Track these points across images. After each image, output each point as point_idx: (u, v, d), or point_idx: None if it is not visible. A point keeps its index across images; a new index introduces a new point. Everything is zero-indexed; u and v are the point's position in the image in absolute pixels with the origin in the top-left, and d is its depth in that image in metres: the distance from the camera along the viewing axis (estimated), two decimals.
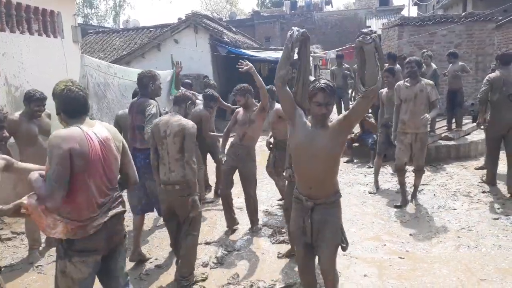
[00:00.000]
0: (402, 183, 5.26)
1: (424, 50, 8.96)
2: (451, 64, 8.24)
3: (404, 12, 26.21)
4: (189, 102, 3.65)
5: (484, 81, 5.47)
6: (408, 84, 5.03)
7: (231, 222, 4.77)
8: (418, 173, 5.23)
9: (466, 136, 7.95)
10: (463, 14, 11.90)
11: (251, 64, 4.34)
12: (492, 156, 5.68)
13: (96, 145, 2.24)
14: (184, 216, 3.51)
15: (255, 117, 4.51)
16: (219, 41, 12.33)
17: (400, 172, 5.23)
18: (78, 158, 2.16)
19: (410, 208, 5.14)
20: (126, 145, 2.51)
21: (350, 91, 10.79)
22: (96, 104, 6.46)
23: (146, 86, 4.08)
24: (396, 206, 5.14)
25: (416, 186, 5.37)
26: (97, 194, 2.27)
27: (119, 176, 2.48)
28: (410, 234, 4.35)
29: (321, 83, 2.53)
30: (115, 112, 6.77)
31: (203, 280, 3.64)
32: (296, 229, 2.76)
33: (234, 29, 16.64)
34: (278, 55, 13.49)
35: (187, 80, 7.26)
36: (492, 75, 5.45)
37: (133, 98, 4.65)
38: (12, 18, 6.62)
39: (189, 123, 3.47)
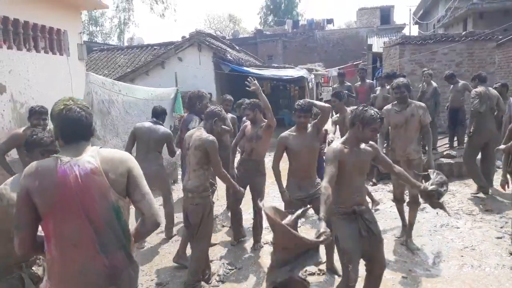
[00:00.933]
0: (400, 211, 4.78)
1: (425, 69, 9.04)
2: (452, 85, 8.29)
3: (405, 31, 26.58)
4: (216, 118, 3.82)
5: (473, 95, 5.98)
6: (397, 109, 4.54)
7: (238, 235, 4.86)
8: (413, 205, 4.51)
9: None
10: (463, 33, 12.05)
11: (258, 85, 4.39)
12: (472, 160, 6.24)
13: (71, 181, 1.77)
14: (194, 223, 3.66)
15: (262, 133, 4.57)
16: (222, 59, 12.48)
17: (398, 202, 4.78)
18: (37, 197, 1.76)
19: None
20: (138, 176, 1.92)
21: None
22: (100, 121, 6.51)
23: (194, 104, 4.72)
24: (397, 238, 4.77)
25: (411, 223, 4.54)
26: (75, 244, 1.78)
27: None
28: (413, 253, 4.33)
29: (376, 113, 2.90)
30: (119, 129, 6.84)
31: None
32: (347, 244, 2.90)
33: (237, 47, 16.85)
34: (280, 73, 13.64)
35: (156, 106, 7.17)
36: (478, 89, 5.99)
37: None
38: (19, 36, 6.75)
39: (209, 137, 3.64)
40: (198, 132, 3.76)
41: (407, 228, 4.60)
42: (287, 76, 13.58)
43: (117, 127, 6.84)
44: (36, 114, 4.32)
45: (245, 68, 12.64)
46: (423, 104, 4.63)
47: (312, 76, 16.94)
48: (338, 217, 2.94)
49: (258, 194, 4.55)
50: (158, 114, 5.17)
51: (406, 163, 4.43)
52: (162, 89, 8.25)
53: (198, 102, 4.69)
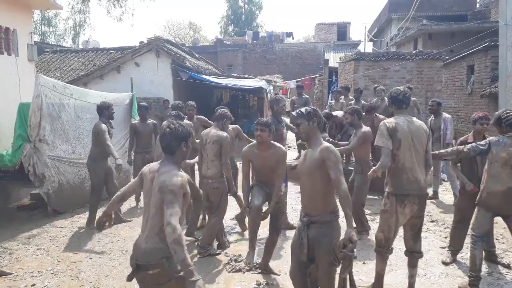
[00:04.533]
0: (380, 273, 3.72)
1: (376, 85, 9.42)
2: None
3: (360, 47, 27.59)
4: (225, 119, 4.96)
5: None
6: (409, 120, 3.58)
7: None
8: (415, 258, 3.71)
9: None
10: (414, 52, 12.70)
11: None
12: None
13: None
14: (214, 202, 4.70)
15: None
16: (181, 66, 12.36)
17: (383, 253, 3.68)
18: None
19: (361, 237, 5.25)
20: None
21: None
22: (49, 125, 6.23)
23: (272, 107, 5.30)
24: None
25: (411, 285, 3.70)
26: None
27: None
28: (363, 263, 4.44)
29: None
30: (69, 134, 6.57)
31: (218, 254, 4.68)
32: (293, 243, 3.09)
33: (196, 55, 16.76)
34: (240, 82, 13.69)
35: (142, 103, 7.21)
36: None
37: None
38: None
39: (224, 134, 4.74)
40: (214, 130, 4.79)
41: None
42: (246, 86, 13.65)
43: (68, 132, 6.58)
44: None
45: (204, 76, 12.58)
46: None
47: (271, 87, 17.16)
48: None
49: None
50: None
51: (415, 199, 3.54)
52: (116, 94, 8.04)
53: (275, 105, 5.26)
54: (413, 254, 3.68)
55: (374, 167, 3.71)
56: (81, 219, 6.27)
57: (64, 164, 6.48)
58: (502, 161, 3.68)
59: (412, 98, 8.71)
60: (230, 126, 5.86)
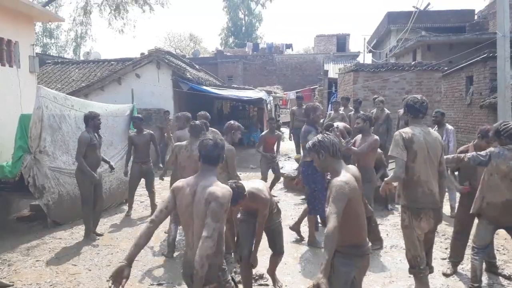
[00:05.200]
0: None
1: (376, 96, 9.46)
2: (403, 109, 8.72)
3: (360, 59, 27.78)
4: (233, 131, 4.81)
5: None
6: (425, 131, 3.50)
7: None
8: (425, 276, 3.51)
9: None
10: (413, 63, 12.79)
11: None
12: None
13: None
14: None
15: None
16: (181, 77, 12.44)
17: (417, 274, 3.47)
18: None
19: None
20: None
21: None
22: (50, 136, 6.24)
23: (308, 115, 5.30)
24: None
25: None
26: None
27: None
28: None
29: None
30: (70, 145, 6.59)
31: None
32: None
33: (197, 67, 16.87)
34: (240, 93, 13.77)
35: (137, 115, 7.27)
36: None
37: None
38: None
39: (230, 147, 4.49)
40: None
41: None
42: (246, 97, 13.72)
43: (68, 143, 6.59)
44: None
45: (205, 87, 12.65)
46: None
47: (271, 98, 17.25)
48: None
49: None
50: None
51: (431, 213, 3.49)
52: (117, 105, 8.08)
53: (311, 113, 5.26)
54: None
55: (386, 179, 3.64)
56: (81, 230, 6.24)
57: (64, 175, 6.48)
58: (502, 173, 3.68)
59: None
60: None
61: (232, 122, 4.97)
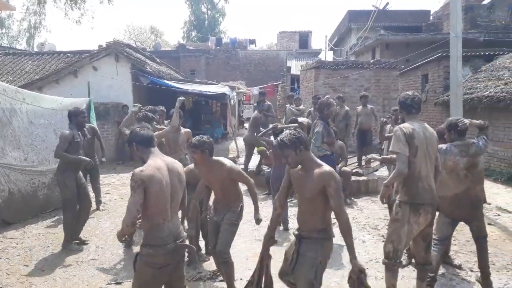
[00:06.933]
0: None
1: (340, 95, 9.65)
2: (361, 106, 8.96)
3: (322, 56, 28.22)
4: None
5: None
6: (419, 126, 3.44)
7: None
8: (427, 271, 3.56)
9: (374, 172, 8.59)
10: (372, 61, 13.13)
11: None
12: None
13: None
14: None
15: None
16: (141, 71, 12.13)
17: (390, 266, 3.46)
18: None
19: None
20: None
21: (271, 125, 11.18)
22: None
23: (322, 110, 5.32)
24: None
25: None
26: None
27: None
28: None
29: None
30: (21, 140, 6.27)
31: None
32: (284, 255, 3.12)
33: (158, 60, 16.50)
34: (203, 88, 13.62)
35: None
36: None
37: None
38: None
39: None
40: None
41: None
42: (209, 92, 13.59)
43: (19, 138, 6.28)
44: None
45: (166, 81, 12.40)
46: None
47: (234, 93, 17.18)
48: None
49: None
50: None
51: (430, 209, 3.46)
52: (72, 99, 7.79)
53: (326, 109, 5.26)
54: (425, 266, 3.52)
55: (385, 181, 3.58)
56: (33, 229, 5.97)
57: (15, 172, 6.15)
58: (449, 169, 3.82)
59: (370, 106, 9.04)
60: (183, 129, 5.81)
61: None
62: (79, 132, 5.46)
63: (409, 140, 3.28)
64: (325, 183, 2.75)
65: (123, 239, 2.74)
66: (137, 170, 2.67)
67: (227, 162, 3.75)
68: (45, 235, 5.75)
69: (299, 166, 2.93)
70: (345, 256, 4.85)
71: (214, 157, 3.71)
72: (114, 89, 11.94)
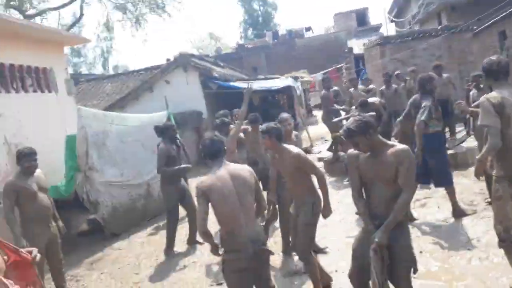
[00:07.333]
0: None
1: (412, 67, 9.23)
2: (436, 77, 8.47)
3: (382, 30, 27.03)
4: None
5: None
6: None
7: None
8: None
9: (461, 144, 8.07)
10: (439, 27, 12.34)
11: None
12: None
13: None
14: None
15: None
16: (209, 77, 12.60)
17: (509, 248, 3.22)
18: None
19: (415, 223, 5.14)
20: None
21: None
22: (96, 153, 6.55)
23: (424, 85, 5.12)
24: None
25: None
26: None
27: None
28: (420, 252, 4.27)
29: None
30: (117, 158, 6.88)
31: None
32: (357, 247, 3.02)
33: (221, 64, 17.00)
34: (267, 84, 13.80)
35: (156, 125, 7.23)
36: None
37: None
38: (6, 79, 6.75)
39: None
40: None
41: None
42: (274, 86, 13.72)
43: (114, 157, 6.89)
44: (27, 157, 4.26)
45: (232, 84, 12.77)
46: None
47: (299, 83, 17.14)
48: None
49: None
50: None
51: None
52: (152, 114, 8.31)
53: (427, 84, 5.15)
54: None
55: (478, 156, 3.30)
56: (137, 238, 6.53)
57: (115, 188, 6.79)
58: None
59: (445, 75, 8.51)
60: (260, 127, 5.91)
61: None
62: (173, 146, 5.69)
63: (499, 110, 2.98)
64: (399, 162, 2.68)
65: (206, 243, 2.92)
66: (199, 182, 2.90)
67: (295, 149, 3.74)
68: (148, 243, 6.26)
69: (366, 154, 2.85)
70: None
71: (284, 145, 3.76)
72: (187, 98, 12.51)
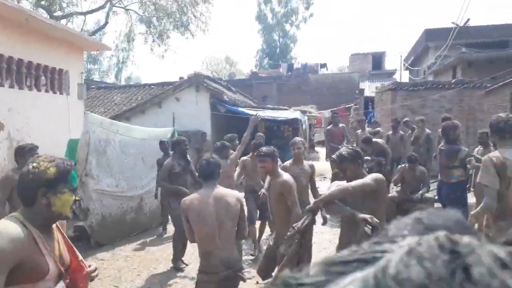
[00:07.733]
0: None
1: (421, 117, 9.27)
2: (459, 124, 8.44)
3: (396, 76, 27.32)
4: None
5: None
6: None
7: None
8: None
9: None
10: (453, 80, 12.44)
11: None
12: None
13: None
14: None
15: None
16: (219, 99, 12.71)
17: None
18: None
19: None
20: None
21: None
22: (95, 160, 6.52)
23: (448, 134, 5.19)
24: None
25: None
26: None
27: None
28: None
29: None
30: (114, 168, 6.85)
31: None
32: None
33: (233, 89, 17.18)
34: (275, 114, 13.87)
35: (163, 139, 7.31)
36: None
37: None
38: (22, 75, 6.85)
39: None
40: None
41: None
42: (282, 117, 13.79)
43: (112, 167, 6.85)
44: (30, 152, 4.24)
45: (241, 109, 12.86)
46: None
47: (306, 117, 17.22)
48: None
49: None
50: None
51: None
52: (159, 129, 8.34)
53: (451, 132, 5.17)
54: None
55: (473, 212, 3.24)
56: (122, 251, 6.41)
57: (107, 197, 6.72)
58: None
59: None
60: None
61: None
62: (180, 162, 5.70)
63: (500, 171, 2.94)
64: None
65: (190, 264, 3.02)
66: (182, 200, 3.00)
67: (286, 176, 3.70)
68: (132, 258, 6.13)
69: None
70: None
71: (279, 170, 3.82)
72: (194, 118, 12.60)
